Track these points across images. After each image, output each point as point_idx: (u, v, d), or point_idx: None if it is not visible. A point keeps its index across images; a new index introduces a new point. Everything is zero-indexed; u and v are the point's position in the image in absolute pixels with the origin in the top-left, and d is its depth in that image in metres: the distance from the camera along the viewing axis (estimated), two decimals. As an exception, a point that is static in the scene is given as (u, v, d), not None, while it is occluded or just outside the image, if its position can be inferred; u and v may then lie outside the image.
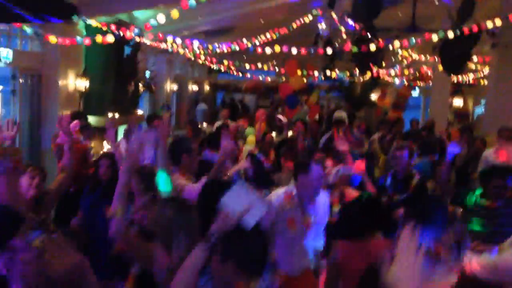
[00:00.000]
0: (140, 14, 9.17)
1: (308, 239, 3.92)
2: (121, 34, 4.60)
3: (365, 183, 4.62)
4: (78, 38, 4.67)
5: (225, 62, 13.50)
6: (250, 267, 2.18)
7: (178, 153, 3.95)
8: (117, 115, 9.20)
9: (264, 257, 2.26)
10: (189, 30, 12.24)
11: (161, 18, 4.34)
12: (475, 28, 7.36)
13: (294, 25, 10.53)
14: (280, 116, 9.71)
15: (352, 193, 4.39)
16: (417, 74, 14.35)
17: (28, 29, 4.81)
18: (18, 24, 5.18)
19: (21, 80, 7.61)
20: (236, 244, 2.17)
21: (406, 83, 15.57)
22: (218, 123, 10.12)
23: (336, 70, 14.57)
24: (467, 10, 7.27)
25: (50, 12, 4.27)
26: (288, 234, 3.70)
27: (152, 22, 4.43)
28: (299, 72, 10.92)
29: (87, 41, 4.75)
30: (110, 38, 4.49)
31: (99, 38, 4.56)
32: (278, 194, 3.94)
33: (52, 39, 4.76)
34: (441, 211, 2.60)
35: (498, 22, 7.50)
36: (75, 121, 5.15)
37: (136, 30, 4.61)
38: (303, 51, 7.43)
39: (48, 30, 6.98)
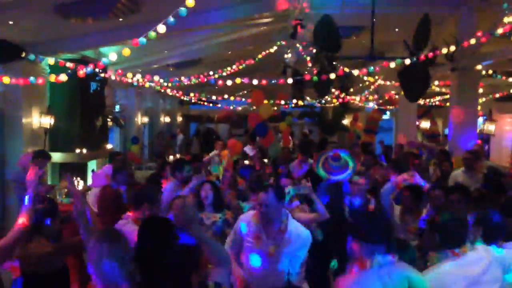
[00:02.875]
0: (106, 50, 9.21)
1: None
2: (75, 71, 4.59)
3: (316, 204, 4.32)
4: (31, 78, 4.67)
5: (192, 94, 13.57)
6: None
7: (140, 200, 4.06)
8: (85, 151, 9.14)
9: None
10: (158, 64, 12.33)
11: (113, 56, 4.40)
12: (430, 55, 7.58)
13: (260, 56, 10.70)
14: (246, 148, 9.75)
15: (301, 217, 4.27)
16: (384, 99, 14.63)
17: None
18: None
19: (-18, 120, 7.55)
20: None
21: (376, 107, 15.81)
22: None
23: (307, 97, 14.78)
24: (423, 38, 7.46)
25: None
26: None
27: (104, 60, 4.46)
28: (266, 101, 11.04)
29: (40, 81, 4.74)
30: (63, 77, 4.49)
31: (52, 77, 4.57)
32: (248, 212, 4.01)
33: (6, 79, 4.75)
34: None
35: (453, 47, 7.75)
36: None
37: (90, 69, 4.61)
38: (264, 82, 7.53)
39: (9, 69, 6.98)
